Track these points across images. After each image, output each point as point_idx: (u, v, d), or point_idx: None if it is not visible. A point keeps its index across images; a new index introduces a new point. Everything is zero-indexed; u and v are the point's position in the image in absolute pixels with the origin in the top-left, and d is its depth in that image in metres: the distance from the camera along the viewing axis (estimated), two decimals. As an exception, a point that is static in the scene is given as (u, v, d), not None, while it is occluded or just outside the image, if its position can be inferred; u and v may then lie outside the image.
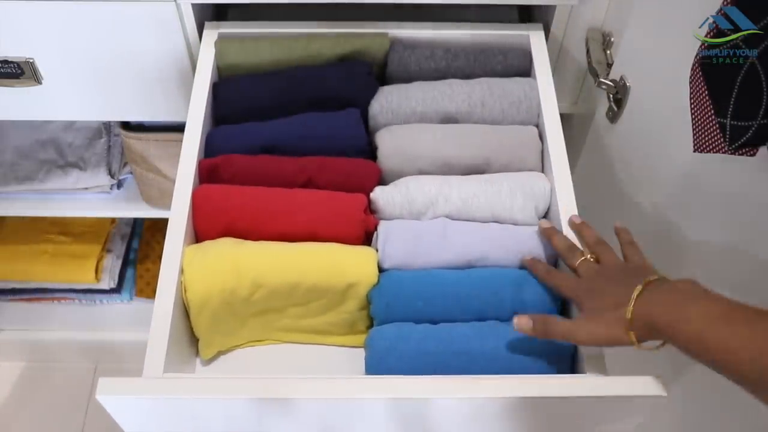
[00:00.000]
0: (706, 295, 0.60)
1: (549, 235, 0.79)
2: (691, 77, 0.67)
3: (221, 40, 0.96)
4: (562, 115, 0.91)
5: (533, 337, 0.69)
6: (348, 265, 0.78)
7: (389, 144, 0.88)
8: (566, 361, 0.74)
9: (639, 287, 0.63)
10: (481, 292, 0.77)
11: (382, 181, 0.88)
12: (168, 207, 0.81)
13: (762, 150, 0.65)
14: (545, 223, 0.81)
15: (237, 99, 0.93)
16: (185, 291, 0.75)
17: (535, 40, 0.98)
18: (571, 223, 0.80)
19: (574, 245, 0.77)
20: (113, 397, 0.64)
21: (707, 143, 0.68)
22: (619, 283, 0.67)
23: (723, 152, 0.66)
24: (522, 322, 0.70)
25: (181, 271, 0.76)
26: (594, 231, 0.77)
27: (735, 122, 0.64)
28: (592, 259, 0.73)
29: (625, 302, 0.63)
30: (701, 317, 0.57)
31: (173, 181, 0.82)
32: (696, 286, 0.61)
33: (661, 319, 0.60)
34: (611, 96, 0.99)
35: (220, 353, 0.83)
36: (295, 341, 0.84)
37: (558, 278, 0.75)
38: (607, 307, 0.65)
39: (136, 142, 1.20)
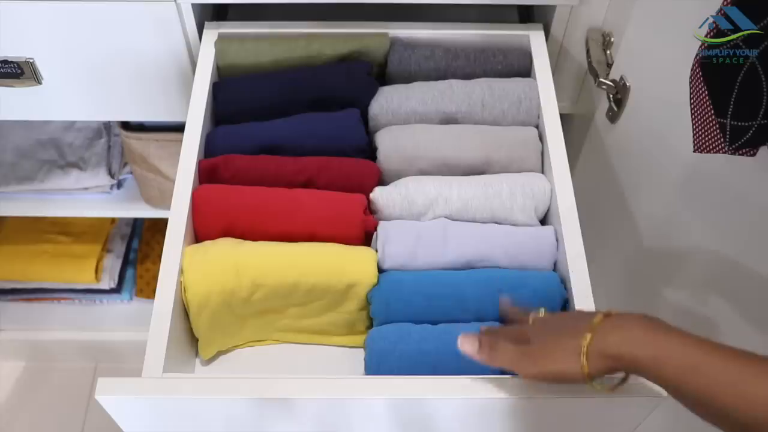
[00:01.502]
0: (676, 330, 0.56)
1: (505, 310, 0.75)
2: (691, 77, 0.67)
3: (221, 40, 0.96)
4: (562, 115, 0.91)
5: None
6: (348, 265, 0.78)
7: (389, 144, 0.88)
8: (566, 361, 0.74)
9: (600, 315, 0.59)
10: (480, 293, 0.77)
11: (382, 181, 0.88)
12: (168, 207, 0.81)
13: (762, 150, 0.65)
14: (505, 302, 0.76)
15: (237, 99, 0.93)
16: (185, 291, 0.75)
17: (535, 40, 0.98)
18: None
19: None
20: (113, 397, 0.64)
21: (707, 143, 0.68)
22: (574, 318, 0.62)
23: (723, 152, 0.66)
24: (466, 343, 0.64)
25: (181, 271, 0.76)
26: None
27: (735, 122, 0.64)
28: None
29: (582, 332, 0.58)
30: (692, 353, 0.53)
31: (173, 181, 0.82)
32: (660, 320, 0.57)
33: (636, 352, 0.55)
34: (611, 96, 0.99)
35: (219, 353, 0.83)
36: (295, 341, 0.84)
37: (504, 341, 0.65)
38: (560, 338, 0.60)
39: (136, 142, 1.20)
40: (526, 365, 0.61)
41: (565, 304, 0.78)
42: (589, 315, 0.60)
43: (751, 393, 0.50)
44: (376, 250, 0.80)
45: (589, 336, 0.57)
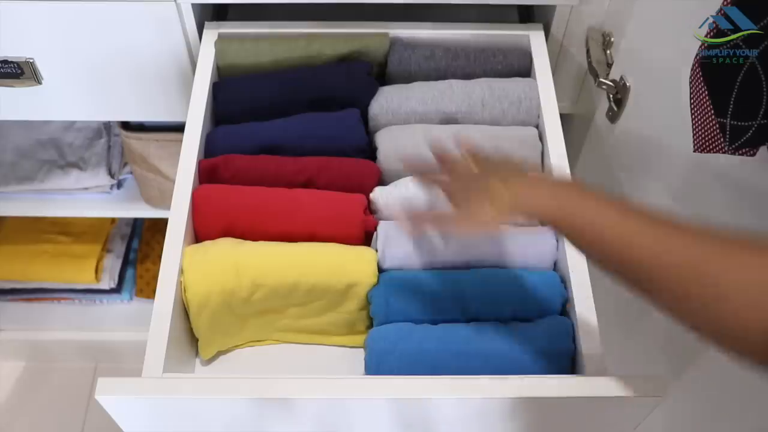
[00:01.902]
0: (588, 190, 0.59)
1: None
2: (691, 77, 0.67)
3: (221, 40, 0.96)
4: (562, 115, 0.91)
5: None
6: (348, 265, 0.78)
7: (389, 144, 0.88)
8: (566, 361, 0.74)
9: (516, 171, 0.65)
10: (480, 293, 0.77)
11: (382, 181, 0.88)
12: (168, 207, 0.81)
13: (762, 150, 0.65)
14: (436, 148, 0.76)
15: (237, 99, 0.93)
16: (185, 291, 0.75)
17: (535, 40, 0.98)
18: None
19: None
20: (113, 397, 0.64)
21: (707, 143, 0.68)
22: (490, 176, 0.66)
23: (723, 152, 0.66)
24: (407, 229, 0.72)
25: (181, 271, 0.76)
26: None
27: (735, 122, 0.64)
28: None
29: (498, 190, 0.63)
30: (604, 210, 0.57)
31: (173, 181, 0.82)
32: (577, 183, 0.62)
33: (544, 207, 0.60)
34: (611, 96, 0.99)
35: (219, 353, 0.83)
36: (295, 341, 0.84)
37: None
38: (480, 199, 0.65)
39: (136, 142, 1.20)
40: (458, 226, 0.68)
41: (565, 303, 0.78)
42: (511, 169, 0.66)
43: (635, 243, 0.53)
44: (376, 250, 0.80)
45: (505, 194, 0.63)
